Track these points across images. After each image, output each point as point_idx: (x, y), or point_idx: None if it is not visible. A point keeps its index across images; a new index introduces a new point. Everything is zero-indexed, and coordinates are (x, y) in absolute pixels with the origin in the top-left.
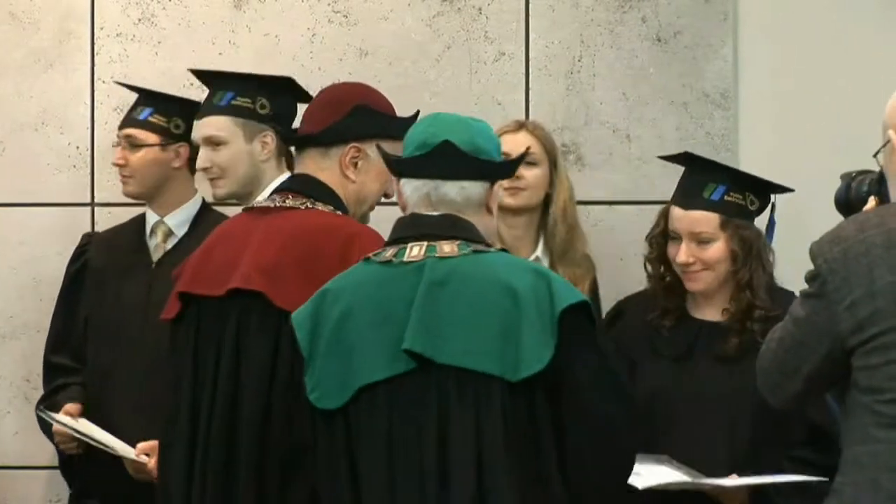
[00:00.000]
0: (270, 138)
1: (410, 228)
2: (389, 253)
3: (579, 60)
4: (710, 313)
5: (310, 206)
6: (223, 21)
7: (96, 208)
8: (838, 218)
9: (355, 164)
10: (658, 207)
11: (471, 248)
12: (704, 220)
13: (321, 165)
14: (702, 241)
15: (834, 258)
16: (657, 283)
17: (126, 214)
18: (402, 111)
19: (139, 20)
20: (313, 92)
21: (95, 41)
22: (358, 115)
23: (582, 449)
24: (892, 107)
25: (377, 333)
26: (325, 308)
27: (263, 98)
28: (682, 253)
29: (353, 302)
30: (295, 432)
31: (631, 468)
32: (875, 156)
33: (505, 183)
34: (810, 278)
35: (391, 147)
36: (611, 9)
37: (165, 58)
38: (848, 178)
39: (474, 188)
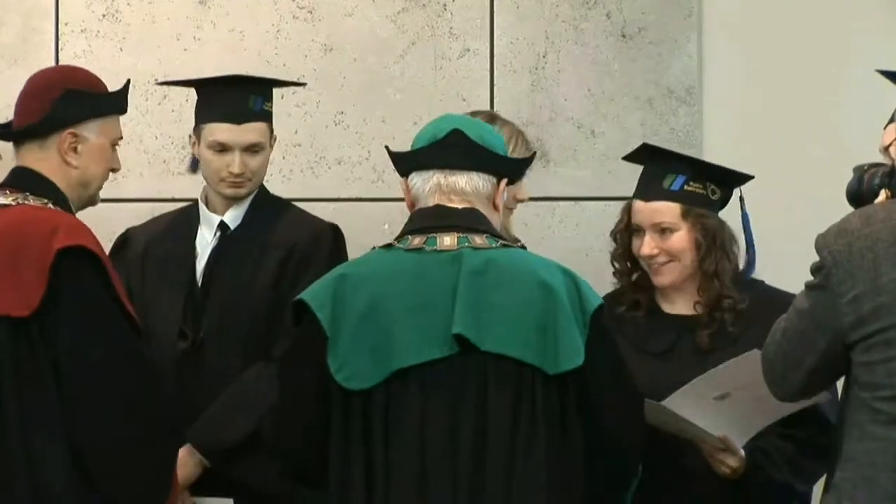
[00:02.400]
0: (275, 140)
1: (438, 219)
2: (417, 241)
3: (544, 57)
4: (682, 307)
5: (21, 201)
6: (188, 17)
7: None
8: (805, 213)
9: (75, 150)
10: (624, 203)
11: (498, 242)
12: (665, 209)
13: (40, 156)
14: (664, 231)
15: (839, 251)
16: (625, 278)
17: (90, 210)
18: (367, 108)
19: (103, 16)
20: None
21: (60, 37)
22: (69, 100)
23: (594, 450)
24: None
25: (414, 318)
26: (346, 292)
27: (270, 100)
28: (645, 245)
29: (386, 286)
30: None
31: (635, 473)
32: (886, 149)
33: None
34: (815, 270)
35: (109, 123)
36: (575, 5)
37: (130, 54)
38: (860, 171)
39: (482, 181)
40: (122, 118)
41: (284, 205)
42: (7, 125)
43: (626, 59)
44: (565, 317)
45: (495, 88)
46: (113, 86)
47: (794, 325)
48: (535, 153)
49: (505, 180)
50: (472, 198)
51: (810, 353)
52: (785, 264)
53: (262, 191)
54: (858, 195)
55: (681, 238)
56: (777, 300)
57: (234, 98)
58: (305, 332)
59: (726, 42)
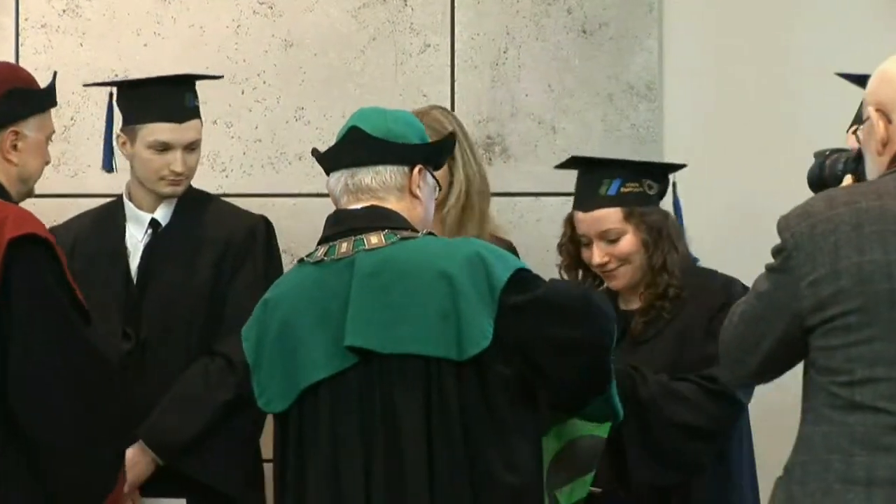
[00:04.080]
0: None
1: (337, 225)
2: (321, 252)
3: (505, 52)
4: (635, 303)
5: None
6: (148, 12)
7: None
8: (765, 206)
9: (15, 147)
10: (565, 215)
11: (398, 236)
12: (607, 216)
13: None
14: (611, 238)
15: (801, 233)
16: None
17: (51, 206)
18: (327, 103)
19: (64, 11)
20: (238, 83)
21: (20, 32)
22: (13, 99)
23: (568, 383)
24: (873, 83)
25: (317, 333)
26: (267, 316)
27: (197, 97)
28: (595, 255)
29: (293, 306)
30: None
31: (609, 373)
32: (854, 133)
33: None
34: (776, 252)
35: (45, 118)
36: (536, 1)
37: (90, 48)
38: (822, 157)
39: (390, 173)
40: (83, 113)
41: (212, 200)
42: None
43: (586, 54)
44: (467, 300)
45: (456, 84)
46: (72, 81)
47: (753, 308)
48: (451, 134)
49: (419, 167)
50: (381, 193)
51: (768, 337)
52: (745, 257)
53: (189, 186)
54: (821, 181)
55: (628, 241)
56: (710, 285)
57: (172, 97)
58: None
59: (687, 38)
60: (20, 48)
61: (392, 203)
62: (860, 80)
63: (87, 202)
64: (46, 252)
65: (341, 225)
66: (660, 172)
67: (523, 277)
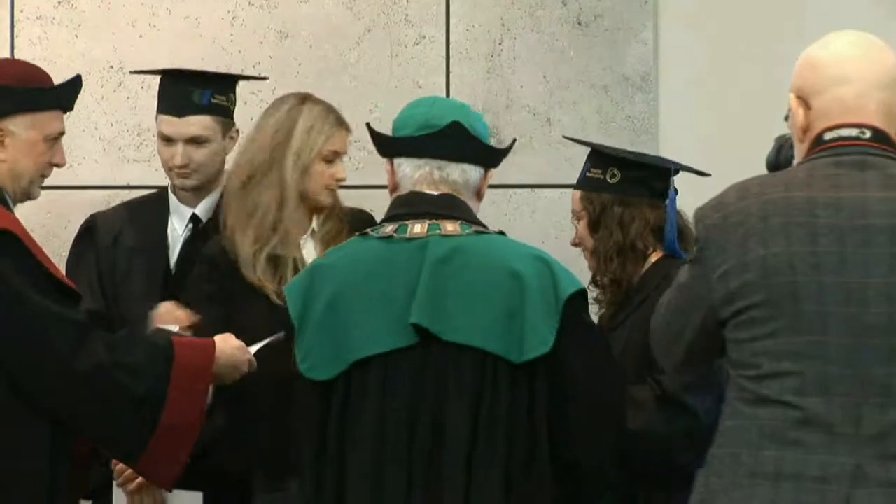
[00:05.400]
0: (236, 132)
1: (412, 206)
2: (389, 229)
3: (500, 44)
4: None
5: None
6: (143, 4)
7: None
8: None
9: (2, 143)
10: None
11: (472, 228)
12: (573, 197)
13: None
14: (578, 219)
15: (713, 224)
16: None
17: (45, 197)
18: (323, 94)
19: (59, 3)
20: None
21: (15, 24)
22: None
23: (582, 434)
24: (796, 69)
25: (376, 308)
26: (318, 282)
27: (232, 94)
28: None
29: (351, 276)
30: None
31: (620, 453)
32: (785, 119)
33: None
34: (694, 243)
35: (43, 118)
36: None
37: (85, 40)
38: (780, 141)
39: (473, 172)
40: (77, 105)
41: None
42: None
43: (582, 46)
44: (534, 304)
45: (451, 75)
46: (67, 73)
47: (675, 299)
48: (514, 140)
49: (492, 170)
50: (461, 189)
51: (688, 328)
52: None
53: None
54: (776, 166)
55: (582, 225)
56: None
57: (176, 91)
58: (282, 323)
59: (682, 29)
60: (15, 40)
61: (466, 199)
62: None
63: (80, 194)
64: (10, 245)
65: (416, 206)
66: (625, 163)
67: (584, 298)
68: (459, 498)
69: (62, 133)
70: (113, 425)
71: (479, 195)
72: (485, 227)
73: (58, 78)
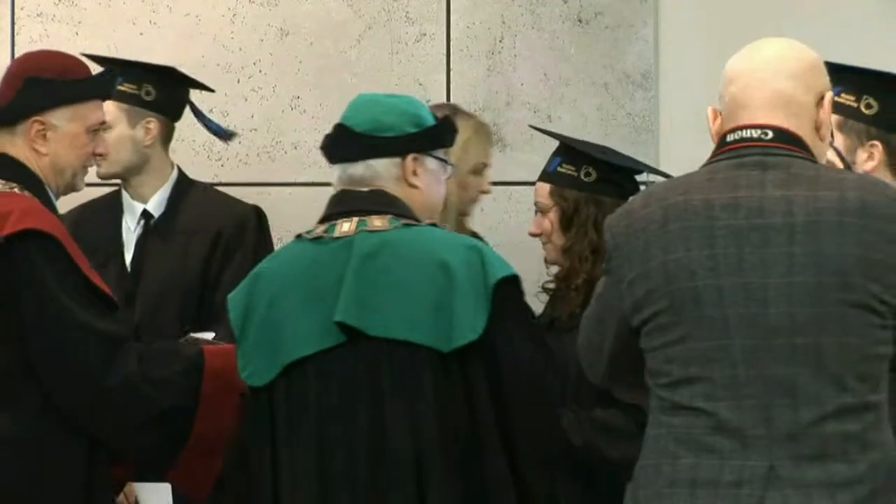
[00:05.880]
0: (154, 124)
1: (340, 205)
2: (320, 229)
3: (500, 41)
4: None
5: None
6: (143, 1)
7: None
8: None
9: (44, 137)
10: None
11: (401, 221)
12: (541, 190)
13: (12, 142)
14: (542, 211)
15: (619, 233)
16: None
17: None
18: (323, 92)
19: (59, 0)
20: (234, 72)
21: (16, 21)
22: (30, 88)
23: (520, 419)
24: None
25: (308, 309)
26: (257, 289)
27: (149, 85)
28: (532, 224)
29: (285, 281)
30: None
31: (564, 435)
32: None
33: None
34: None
35: (84, 109)
36: None
37: (86, 38)
38: None
39: (381, 166)
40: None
41: (204, 189)
42: None
43: (582, 43)
44: (462, 293)
45: (452, 73)
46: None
47: (594, 310)
48: (446, 117)
49: (412, 156)
50: (378, 182)
51: (607, 339)
52: None
53: (182, 176)
54: None
55: (549, 218)
56: None
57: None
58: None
59: (683, 27)
60: (16, 37)
61: (393, 190)
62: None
63: (82, 191)
64: (46, 246)
65: (345, 205)
66: (600, 162)
67: (517, 284)
68: (409, 497)
69: (103, 123)
70: (141, 440)
71: (408, 183)
72: (416, 219)
73: None
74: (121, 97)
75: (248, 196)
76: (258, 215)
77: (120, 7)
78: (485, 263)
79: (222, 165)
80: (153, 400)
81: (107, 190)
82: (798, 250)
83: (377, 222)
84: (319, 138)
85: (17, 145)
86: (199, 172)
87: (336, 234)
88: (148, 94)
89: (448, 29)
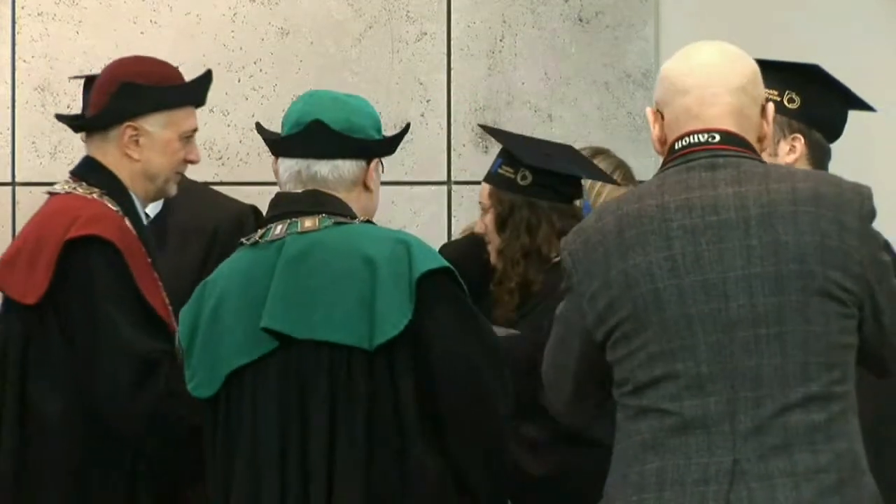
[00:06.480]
0: None
1: (276, 208)
2: (258, 235)
3: (501, 40)
4: None
5: (70, 190)
6: (144, 0)
7: (17, 188)
8: None
9: (136, 143)
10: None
11: (332, 220)
12: (483, 190)
13: (103, 148)
14: (483, 211)
15: (576, 250)
16: None
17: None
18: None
19: None
20: (235, 71)
21: (17, 20)
22: (125, 94)
23: (455, 415)
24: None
25: (242, 317)
26: (203, 299)
27: None
28: (476, 224)
29: (225, 289)
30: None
31: (506, 432)
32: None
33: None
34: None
35: (177, 115)
36: None
37: (87, 37)
38: None
39: (348, 167)
40: (79, 101)
41: (201, 189)
42: (81, 114)
43: (583, 42)
44: (386, 287)
45: (452, 72)
46: (68, 70)
47: (556, 331)
48: (407, 125)
49: (376, 160)
50: (333, 185)
51: (572, 358)
52: None
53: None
54: None
55: (486, 220)
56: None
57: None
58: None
59: (683, 26)
60: (17, 36)
61: (340, 193)
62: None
63: None
64: (105, 252)
65: (279, 208)
66: (536, 167)
67: (449, 276)
68: (322, 501)
69: (196, 130)
70: (178, 456)
71: (366, 186)
72: (351, 217)
73: (59, 75)
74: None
75: (248, 195)
76: (255, 214)
77: (121, 6)
78: (411, 256)
79: (222, 165)
80: (183, 419)
81: None
82: (755, 242)
83: (308, 223)
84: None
85: (108, 151)
86: (199, 172)
87: (269, 237)
88: None
89: (449, 28)
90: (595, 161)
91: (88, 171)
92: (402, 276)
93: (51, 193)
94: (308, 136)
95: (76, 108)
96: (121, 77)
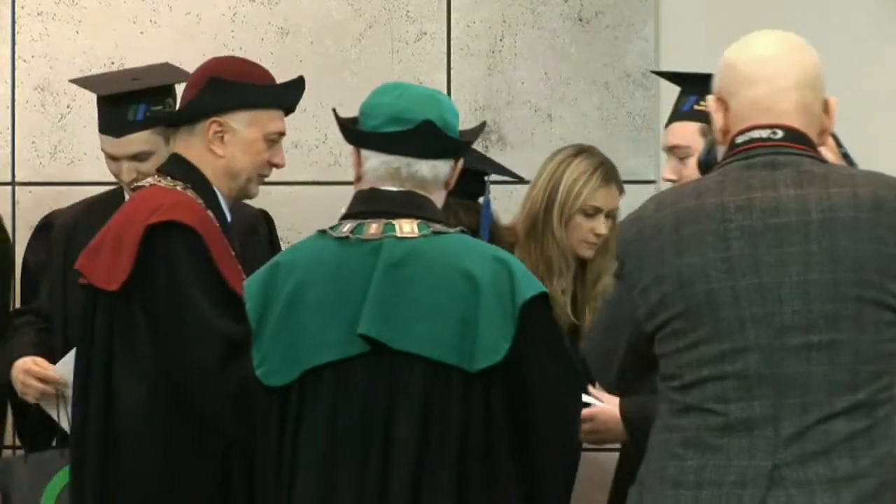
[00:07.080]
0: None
1: (369, 204)
2: (347, 228)
3: (501, 40)
4: None
5: (154, 182)
6: (144, 0)
7: (17, 187)
8: None
9: (221, 139)
10: None
11: (430, 228)
12: None
13: (188, 143)
14: None
15: (631, 239)
16: None
17: (47, 193)
18: (323, 91)
19: None
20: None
21: (16, 20)
22: (213, 89)
23: (545, 443)
24: (718, 71)
25: (330, 313)
26: (277, 281)
27: (170, 98)
28: None
29: (307, 278)
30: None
31: (578, 451)
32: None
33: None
34: (616, 259)
35: (263, 116)
36: None
37: (87, 36)
38: (710, 141)
39: (444, 167)
40: (79, 102)
41: None
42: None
43: (583, 42)
44: (489, 309)
45: (452, 72)
46: (68, 70)
47: (605, 316)
48: (483, 123)
49: (461, 160)
50: (429, 185)
51: (619, 345)
52: None
53: None
54: (707, 165)
55: None
56: None
57: (111, 111)
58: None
59: (683, 26)
60: (16, 36)
61: (431, 192)
62: (678, 78)
63: (82, 190)
64: (186, 237)
65: (374, 204)
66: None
67: (546, 302)
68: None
69: (282, 133)
70: (254, 439)
71: (447, 186)
72: (446, 225)
73: (59, 75)
74: (154, 122)
75: None
76: (267, 220)
77: (120, 6)
78: (513, 279)
79: None
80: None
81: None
82: (814, 247)
83: (406, 227)
84: (320, 137)
85: (193, 146)
86: None
87: (363, 235)
88: (171, 106)
89: (448, 28)
90: (577, 160)
91: (173, 165)
92: (506, 299)
93: (136, 188)
94: (418, 135)
95: (76, 107)
96: (211, 73)
